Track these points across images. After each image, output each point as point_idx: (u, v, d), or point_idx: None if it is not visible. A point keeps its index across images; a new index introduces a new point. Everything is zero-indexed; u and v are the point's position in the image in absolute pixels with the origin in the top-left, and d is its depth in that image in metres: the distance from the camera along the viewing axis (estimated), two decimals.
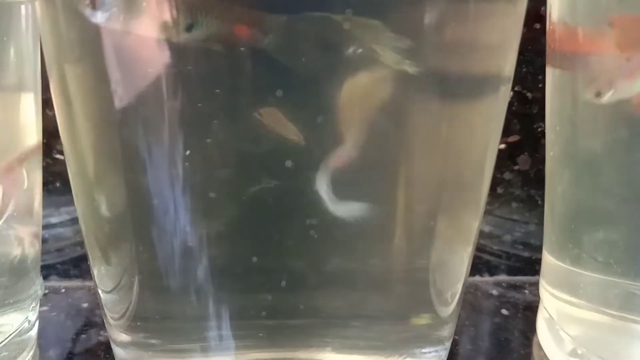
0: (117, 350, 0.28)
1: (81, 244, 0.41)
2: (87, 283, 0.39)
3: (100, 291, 0.27)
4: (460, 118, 0.24)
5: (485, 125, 0.25)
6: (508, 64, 0.24)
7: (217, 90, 0.23)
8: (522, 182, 0.41)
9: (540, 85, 0.39)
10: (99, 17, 0.23)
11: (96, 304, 0.37)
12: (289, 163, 0.23)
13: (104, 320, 0.28)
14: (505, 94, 0.25)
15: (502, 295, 0.39)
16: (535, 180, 0.40)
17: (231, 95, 0.23)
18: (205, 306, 0.25)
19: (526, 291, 0.39)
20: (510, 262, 0.41)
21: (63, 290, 0.39)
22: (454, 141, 0.24)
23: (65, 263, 0.41)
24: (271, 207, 0.24)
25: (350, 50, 0.22)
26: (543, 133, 0.39)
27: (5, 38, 0.26)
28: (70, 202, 0.41)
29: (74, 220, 0.41)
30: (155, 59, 0.22)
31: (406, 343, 0.27)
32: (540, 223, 0.40)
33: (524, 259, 0.41)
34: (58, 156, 0.39)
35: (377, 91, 0.23)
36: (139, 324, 0.26)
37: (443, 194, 0.25)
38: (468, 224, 0.26)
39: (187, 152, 0.23)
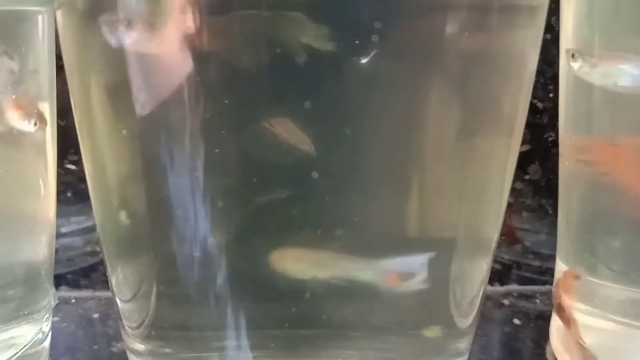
0: (132, 354, 0.28)
1: (91, 254, 0.41)
2: (98, 293, 0.39)
3: (118, 300, 0.27)
4: (481, 128, 0.24)
5: (505, 136, 0.25)
6: (527, 75, 0.25)
7: (238, 100, 0.23)
8: (533, 192, 0.41)
9: (550, 95, 0.39)
10: (120, 33, 0.23)
11: (107, 314, 0.37)
12: (315, 174, 0.23)
13: (121, 329, 0.28)
14: (525, 104, 0.25)
15: (514, 305, 0.39)
16: (546, 189, 0.40)
17: (252, 104, 0.23)
18: (224, 316, 0.25)
19: (537, 300, 0.39)
20: (521, 271, 0.41)
21: (73, 300, 0.39)
22: (474, 152, 0.24)
23: (75, 273, 0.41)
24: (292, 217, 0.24)
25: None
26: (554, 142, 0.40)
27: (23, 48, 0.26)
28: (81, 212, 0.41)
29: (84, 230, 0.40)
30: (176, 69, 0.23)
31: (425, 355, 0.27)
32: (551, 232, 0.41)
33: (534, 268, 0.41)
34: (69, 166, 0.39)
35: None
36: (156, 332, 0.26)
37: (464, 204, 0.25)
38: (488, 235, 0.26)
39: (207, 161, 0.23)
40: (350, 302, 0.25)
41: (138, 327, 0.27)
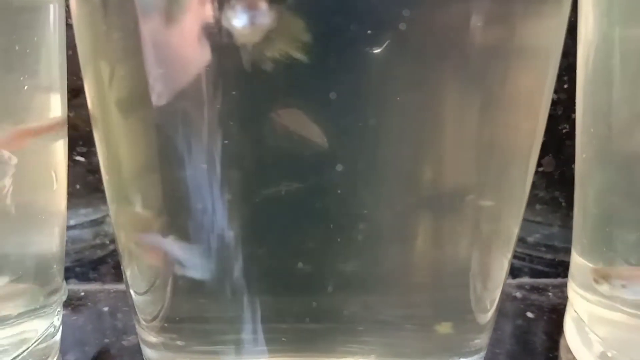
0: (147, 352, 0.28)
1: (100, 246, 0.40)
2: (107, 286, 0.39)
3: (132, 292, 0.27)
4: (503, 122, 0.24)
5: (528, 129, 0.25)
6: (552, 66, 0.24)
7: (256, 92, 0.22)
8: (546, 184, 0.40)
9: (565, 87, 0.38)
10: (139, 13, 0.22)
11: (117, 307, 0.37)
12: (339, 167, 0.22)
13: (135, 322, 0.28)
14: (548, 95, 0.25)
15: (526, 298, 0.38)
16: (559, 182, 0.40)
17: (270, 96, 0.22)
18: (239, 309, 0.25)
19: (550, 294, 0.39)
20: (533, 264, 0.41)
21: (82, 293, 0.38)
22: (498, 145, 0.24)
23: (84, 266, 0.40)
24: (313, 209, 0.23)
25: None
26: (567, 134, 0.39)
27: (35, 38, 0.26)
28: (89, 204, 0.41)
29: (93, 223, 0.40)
30: (195, 59, 0.22)
31: (444, 352, 0.26)
32: (564, 225, 0.40)
33: (546, 261, 0.41)
34: (78, 158, 0.39)
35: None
36: (171, 325, 0.26)
37: (486, 198, 0.24)
38: (509, 229, 0.26)
39: (224, 152, 0.23)
40: (369, 297, 0.25)
41: (153, 319, 0.26)
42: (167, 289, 0.25)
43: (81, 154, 0.39)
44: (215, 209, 0.23)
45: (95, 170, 0.39)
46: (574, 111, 0.31)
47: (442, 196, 0.24)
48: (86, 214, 0.40)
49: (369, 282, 0.25)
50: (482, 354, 0.27)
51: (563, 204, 0.40)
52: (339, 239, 0.24)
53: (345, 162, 0.22)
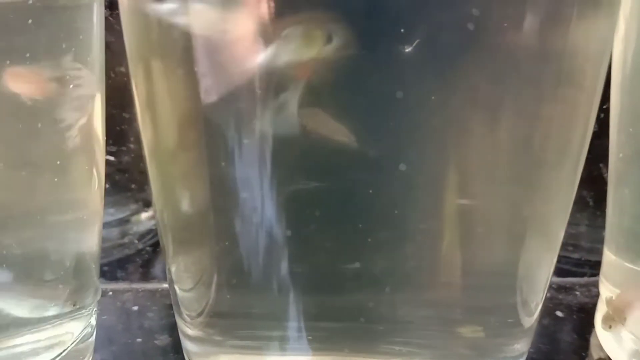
0: (190, 346, 0.28)
1: (128, 245, 0.40)
2: (134, 285, 0.39)
3: (177, 289, 0.27)
4: (554, 127, 0.24)
5: (579, 134, 0.25)
6: (603, 68, 0.24)
7: (309, 91, 0.22)
8: None
9: None
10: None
11: (146, 306, 0.37)
12: (402, 167, 0.22)
13: (177, 317, 0.28)
14: (598, 97, 0.25)
15: (554, 297, 0.38)
16: (587, 181, 0.40)
17: (322, 96, 0.22)
18: (285, 306, 0.25)
19: (577, 293, 0.39)
20: (560, 263, 0.41)
21: (110, 292, 0.38)
22: (548, 146, 0.24)
23: (111, 265, 0.40)
24: (359, 209, 0.23)
25: None
26: (595, 134, 0.39)
27: (81, 36, 0.26)
28: (117, 203, 0.41)
29: (120, 221, 0.40)
30: (247, 55, 0.22)
31: (487, 355, 0.26)
32: (591, 224, 0.40)
33: (573, 260, 0.41)
34: (108, 157, 0.39)
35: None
36: (215, 320, 0.26)
37: (535, 201, 0.24)
38: (555, 231, 0.26)
39: (274, 150, 0.23)
40: (416, 298, 0.25)
41: (198, 315, 0.26)
42: (212, 286, 0.25)
43: (111, 154, 0.39)
44: (263, 206, 0.24)
45: (124, 169, 0.39)
46: (602, 110, 0.31)
47: (490, 199, 0.24)
48: (113, 213, 0.40)
49: (417, 283, 0.25)
50: (525, 356, 0.27)
51: (591, 203, 0.40)
52: (389, 239, 0.24)
53: (402, 162, 0.22)
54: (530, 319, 0.26)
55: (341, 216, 0.24)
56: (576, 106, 0.24)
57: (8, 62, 0.24)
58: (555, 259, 0.26)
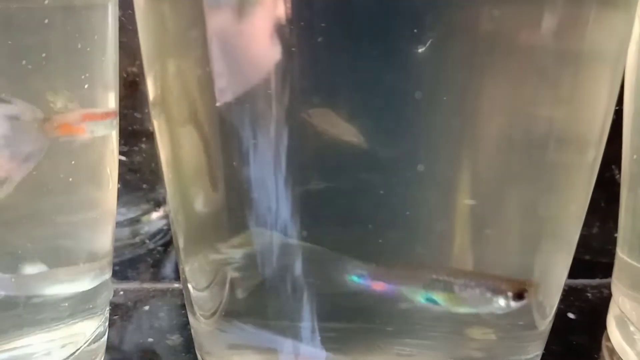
0: (203, 345, 0.28)
1: (139, 245, 0.40)
2: (145, 285, 0.39)
3: (191, 288, 0.27)
4: (571, 128, 0.24)
5: (595, 135, 0.24)
6: (620, 69, 0.24)
7: (324, 93, 0.22)
8: None
9: None
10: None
11: (157, 306, 0.37)
12: (420, 167, 0.22)
13: (190, 316, 0.28)
14: (614, 99, 0.25)
15: (565, 299, 0.38)
16: (598, 183, 0.40)
17: (338, 97, 0.22)
18: (299, 307, 0.25)
19: (588, 294, 0.39)
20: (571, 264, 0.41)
21: (121, 292, 0.38)
22: (564, 147, 0.24)
23: (122, 264, 0.40)
24: (373, 208, 0.23)
25: None
26: (608, 135, 0.39)
27: (96, 37, 0.26)
28: (128, 203, 0.41)
29: (131, 221, 0.40)
30: (264, 57, 0.22)
31: (501, 357, 0.26)
32: (603, 226, 0.40)
33: (584, 262, 0.41)
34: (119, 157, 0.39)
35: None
36: (229, 320, 0.26)
37: (551, 203, 0.24)
38: (571, 233, 0.26)
39: (288, 151, 0.23)
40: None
41: (211, 315, 0.26)
42: (226, 285, 0.25)
43: (122, 153, 0.39)
44: (278, 207, 0.24)
45: (136, 169, 0.39)
46: (615, 112, 0.31)
47: (506, 201, 0.24)
48: (124, 213, 0.40)
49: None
50: (540, 358, 0.27)
51: (602, 204, 0.40)
52: (401, 239, 0.24)
53: (417, 164, 0.22)
54: (545, 321, 0.26)
55: (354, 216, 0.24)
56: (593, 107, 0.24)
57: (24, 61, 0.24)
58: (570, 262, 0.26)
